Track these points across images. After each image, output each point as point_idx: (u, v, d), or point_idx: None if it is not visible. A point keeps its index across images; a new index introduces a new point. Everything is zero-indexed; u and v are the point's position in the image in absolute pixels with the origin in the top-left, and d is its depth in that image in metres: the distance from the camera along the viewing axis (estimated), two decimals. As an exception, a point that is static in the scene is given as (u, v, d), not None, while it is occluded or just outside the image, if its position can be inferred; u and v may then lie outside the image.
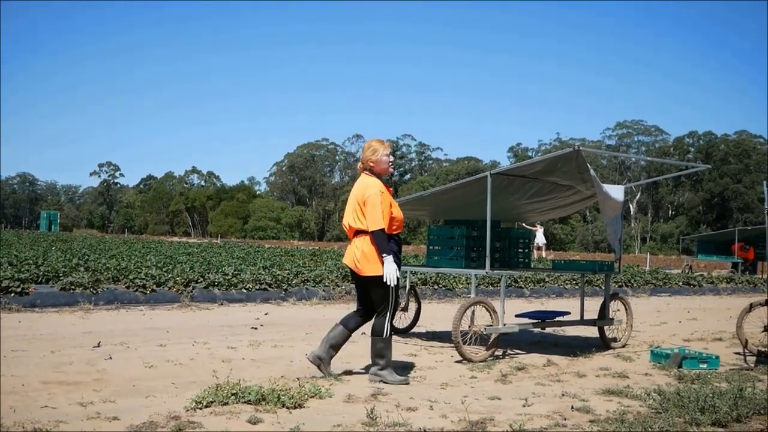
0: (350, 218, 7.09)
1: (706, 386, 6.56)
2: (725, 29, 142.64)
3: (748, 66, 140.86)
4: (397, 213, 7.13)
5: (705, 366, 8.01)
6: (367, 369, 7.19)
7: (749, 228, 35.18)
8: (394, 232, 7.06)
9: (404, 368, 7.53)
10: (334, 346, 7.12)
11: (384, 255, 6.80)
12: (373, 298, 7.03)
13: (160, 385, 6.19)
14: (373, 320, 7.09)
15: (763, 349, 9.26)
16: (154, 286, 13.12)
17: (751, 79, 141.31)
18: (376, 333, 7.00)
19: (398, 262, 6.98)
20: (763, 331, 8.95)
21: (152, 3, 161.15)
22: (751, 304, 9.14)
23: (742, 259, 30.37)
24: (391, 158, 7.36)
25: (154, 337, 9.10)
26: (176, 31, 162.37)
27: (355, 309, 7.39)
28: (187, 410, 5.26)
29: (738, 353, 9.15)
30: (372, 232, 6.84)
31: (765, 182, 9.64)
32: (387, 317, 6.97)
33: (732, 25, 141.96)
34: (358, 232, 7.00)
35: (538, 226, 33.63)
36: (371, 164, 7.19)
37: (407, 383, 6.80)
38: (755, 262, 30.94)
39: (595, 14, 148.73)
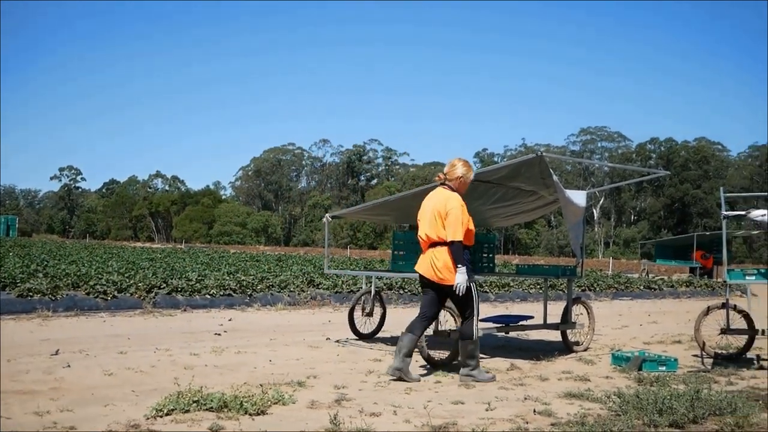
0: (428, 229, 7.45)
1: (664, 388, 6.63)
2: (686, 37, 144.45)
3: (707, 74, 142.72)
4: (472, 227, 7.55)
5: (664, 368, 8.10)
6: (332, 373, 7.17)
7: (707, 233, 35.65)
8: (468, 245, 7.49)
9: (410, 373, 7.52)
10: (408, 354, 7.36)
11: (459, 266, 7.25)
12: (457, 305, 7.57)
13: (120, 393, 6.11)
14: (461, 325, 7.60)
15: (720, 351, 9.39)
16: (116, 293, 12.98)
17: (710, 87, 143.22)
18: (465, 336, 7.47)
19: (472, 272, 7.49)
20: (720, 334, 9.06)
21: (111, 3, 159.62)
22: (708, 308, 9.26)
23: (700, 264, 30.77)
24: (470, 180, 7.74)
25: (115, 344, 9.01)
26: (139, 35, 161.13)
27: (418, 314, 7.65)
28: (147, 418, 5.20)
29: (696, 355, 9.26)
30: (451, 242, 7.24)
31: (722, 188, 9.77)
32: (474, 320, 7.47)
33: (693, 33, 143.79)
34: (435, 243, 7.40)
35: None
36: (456, 182, 7.57)
37: (494, 380, 7.32)
38: (712, 269, 31.38)
39: (560, 21, 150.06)
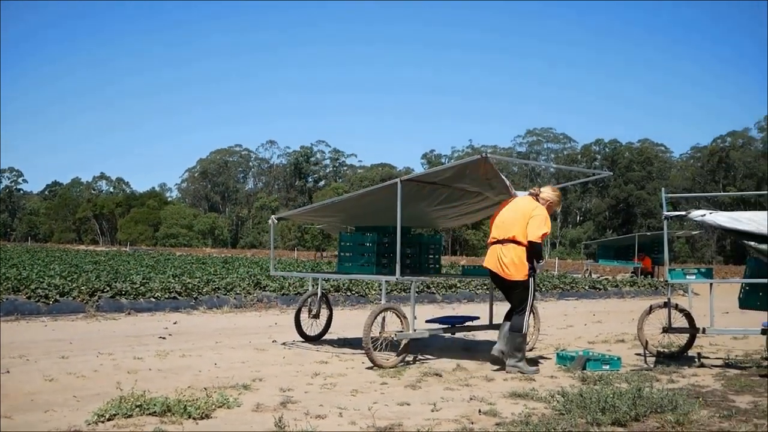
0: (514, 229, 8.17)
1: (607, 387, 6.72)
2: (629, 39, 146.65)
3: (651, 75, 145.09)
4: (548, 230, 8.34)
5: (607, 367, 8.20)
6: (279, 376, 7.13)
7: (648, 234, 36.20)
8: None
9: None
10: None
11: (541, 260, 8.36)
12: (513, 299, 8.29)
13: (61, 399, 6.00)
14: (512, 318, 8.21)
15: (662, 350, 9.54)
16: (58, 296, 12.76)
17: (653, 89, 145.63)
18: (515, 329, 8.10)
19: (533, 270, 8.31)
20: (662, 333, 9.21)
21: (50, 3, 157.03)
22: (651, 307, 9.41)
23: (641, 264, 31.25)
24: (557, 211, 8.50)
25: (56, 348, 8.85)
26: (82, 34, 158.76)
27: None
28: (89, 424, 5.12)
29: (639, 354, 9.39)
30: (532, 242, 8.10)
31: (663, 189, 9.94)
32: (525, 315, 8.13)
33: (635, 36, 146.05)
34: (507, 241, 8.18)
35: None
36: (546, 203, 8.44)
37: (538, 372, 7.96)
38: (652, 269, 31.82)
39: (507, 23, 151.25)
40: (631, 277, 29.41)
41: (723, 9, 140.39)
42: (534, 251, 8.15)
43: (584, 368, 8.13)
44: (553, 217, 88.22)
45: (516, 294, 8.24)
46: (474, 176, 9.09)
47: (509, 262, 8.13)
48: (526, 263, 8.14)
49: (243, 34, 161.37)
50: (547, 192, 8.55)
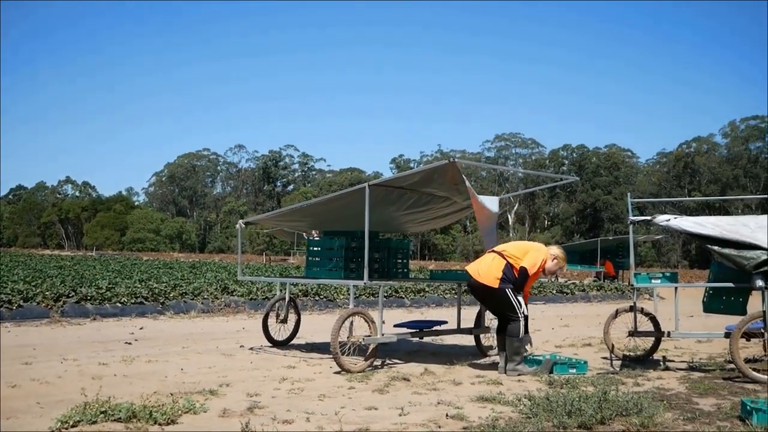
0: (510, 249, 8.53)
1: (573, 391, 6.76)
2: (595, 45, 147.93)
3: (617, 81, 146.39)
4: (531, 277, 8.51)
5: (574, 371, 8.26)
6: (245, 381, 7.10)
7: (610, 238, 36.43)
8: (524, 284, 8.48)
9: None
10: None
11: (518, 293, 8.38)
12: (493, 308, 8.69)
13: (24, 405, 5.93)
14: (507, 325, 8.33)
15: (628, 353, 9.62)
16: (21, 302, 12.61)
17: (620, 94, 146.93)
18: (512, 334, 8.27)
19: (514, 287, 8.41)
20: (628, 336, 9.28)
21: (11, 3, 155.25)
22: (617, 311, 9.49)
23: (603, 269, 31.45)
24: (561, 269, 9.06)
25: (20, 354, 8.75)
26: (45, 35, 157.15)
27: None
28: (53, 431, 5.07)
29: (606, 357, 9.46)
30: (522, 267, 8.31)
31: (629, 194, 10.03)
32: (520, 321, 8.25)
33: (602, 42, 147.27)
34: (495, 252, 8.49)
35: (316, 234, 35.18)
36: (550, 258, 8.61)
37: (537, 373, 8.08)
38: (616, 273, 31.99)
39: (476, 27, 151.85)
40: (595, 281, 29.62)
41: (688, 16, 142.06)
42: (521, 278, 8.33)
43: (551, 372, 8.19)
44: (521, 222, 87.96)
45: (494, 303, 8.48)
46: (442, 181, 9.13)
47: (485, 267, 8.42)
48: (500, 273, 8.29)
49: (210, 39, 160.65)
50: (554, 248, 8.79)
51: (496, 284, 8.28)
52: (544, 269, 8.59)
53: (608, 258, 32.12)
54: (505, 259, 8.39)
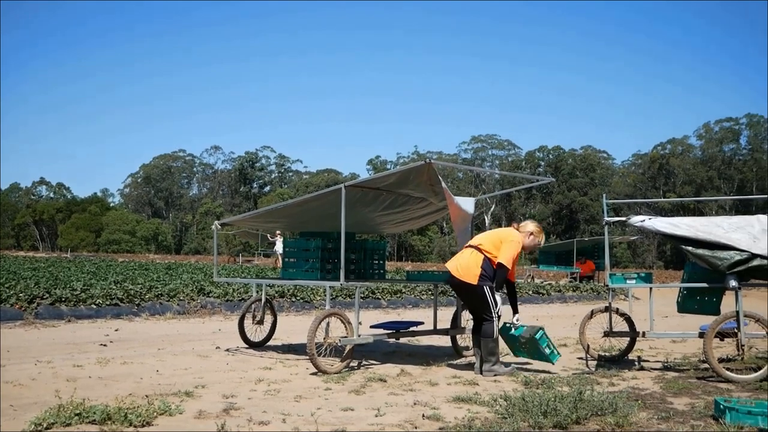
0: (485, 243, 8.46)
1: (549, 391, 6.80)
2: (572, 46, 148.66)
3: (593, 83, 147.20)
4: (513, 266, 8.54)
5: (548, 351, 8.39)
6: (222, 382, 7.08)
7: (586, 239, 36.60)
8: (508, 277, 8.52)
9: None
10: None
11: (496, 289, 8.39)
12: (471, 306, 8.66)
13: (-2, 407, 5.89)
14: (482, 326, 8.38)
15: (603, 354, 9.67)
16: (-5, 304, 12.49)
17: (596, 96, 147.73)
18: (486, 335, 8.32)
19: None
20: (603, 336, 9.34)
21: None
22: (592, 311, 9.55)
23: (579, 270, 31.55)
24: (539, 244, 8.87)
25: (-6, 356, 8.68)
26: (17, 35, 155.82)
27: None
28: (27, 433, 5.04)
29: (581, 358, 9.51)
30: (499, 263, 8.32)
31: (604, 195, 10.10)
32: (494, 321, 8.31)
33: (579, 43, 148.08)
34: (472, 247, 8.49)
35: (278, 235, 35.25)
36: (527, 236, 8.66)
37: (513, 371, 8.22)
38: (592, 274, 32.06)
39: (451, 30, 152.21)
40: (570, 282, 29.73)
41: (663, 18, 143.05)
42: (499, 274, 8.34)
43: (536, 335, 8.31)
44: (498, 223, 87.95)
45: (472, 300, 8.49)
46: (418, 182, 9.15)
47: (464, 263, 8.42)
48: (479, 269, 8.30)
49: (187, 41, 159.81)
50: (528, 224, 8.79)
51: (475, 281, 8.29)
52: (524, 247, 8.65)
53: (588, 258, 32.20)
54: (482, 253, 8.39)
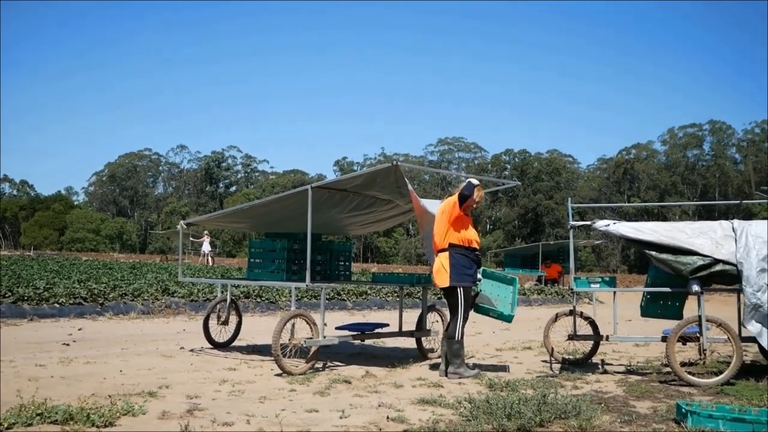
0: (437, 237, 8.47)
1: (513, 393, 6.83)
2: (536, 49, 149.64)
3: (559, 87, 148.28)
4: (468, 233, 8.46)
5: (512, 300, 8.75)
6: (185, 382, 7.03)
7: (551, 243, 36.80)
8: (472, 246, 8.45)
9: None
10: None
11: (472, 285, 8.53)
12: (450, 305, 8.44)
13: (-42, 407, 5.81)
14: (448, 325, 8.48)
15: (567, 357, 9.75)
16: (-44, 302, 12.32)
17: (561, 100, 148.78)
18: (450, 336, 8.34)
19: (467, 276, 8.38)
20: (567, 340, 9.40)
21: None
22: (557, 314, 9.61)
23: (544, 273, 31.71)
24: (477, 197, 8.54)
25: (-46, 355, 8.56)
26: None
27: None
28: (-13, 432, 4.98)
29: (545, 361, 9.57)
30: (450, 244, 8.38)
31: (569, 199, 10.17)
32: (459, 322, 8.29)
33: (543, 47, 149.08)
34: (440, 250, 8.44)
35: (206, 235, 38.41)
36: (457, 192, 8.48)
37: (478, 375, 8.22)
38: (558, 278, 32.21)
39: (416, 32, 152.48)
40: (536, 285, 29.89)
41: (628, 25, 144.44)
42: (458, 255, 8.38)
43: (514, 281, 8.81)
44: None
45: (449, 301, 8.48)
46: (385, 184, 9.17)
47: (436, 270, 8.47)
48: (448, 269, 8.32)
49: (153, 37, 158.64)
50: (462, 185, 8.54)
51: (447, 282, 8.36)
52: (462, 199, 8.35)
53: (553, 262, 32.36)
54: (444, 251, 8.43)
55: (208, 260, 38.14)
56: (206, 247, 38.61)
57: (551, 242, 38.06)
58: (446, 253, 8.38)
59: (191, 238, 40.00)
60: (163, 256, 48.93)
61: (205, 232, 37.77)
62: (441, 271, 8.37)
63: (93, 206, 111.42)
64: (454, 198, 8.41)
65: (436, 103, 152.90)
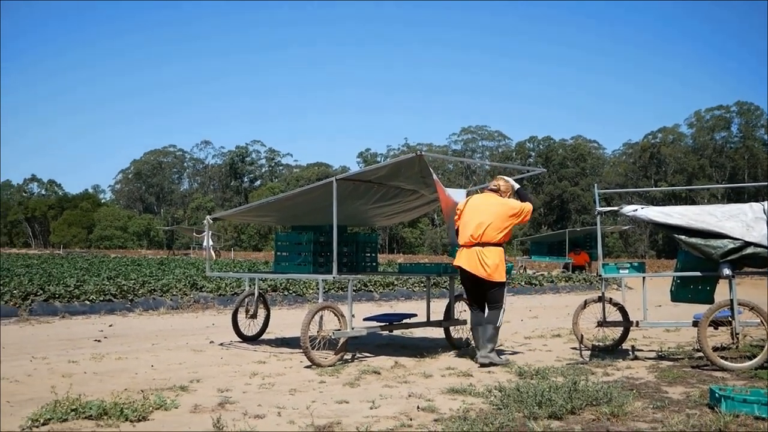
0: (493, 232, 8.47)
1: (544, 381, 6.80)
2: (562, 37, 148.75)
3: (582, 72, 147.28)
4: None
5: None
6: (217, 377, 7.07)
7: (578, 230, 36.52)
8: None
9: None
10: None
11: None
12: (489, 298, 8.56)
13: (-7, 405, 5.87)
14: (489, 312, 8.57)
15: (597, 344, 9.69)
16: (-12, 301, 12.46)
17: (586, 86, 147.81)
18: (491, 321, 8.48)
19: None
20: (597, 326, 9.35)
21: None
22: (585, 301, 9.54)
23: (571, 260, 31.40)
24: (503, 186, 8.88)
25: (-12, 353, 8.66)
26: (9, 30, 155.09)
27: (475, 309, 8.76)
28: (23, 429, 5.02)
29: (575, 348, 9.52)
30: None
31: (596, 185, 10.10)
32: (502, 310, 8.52)
33: (569, 34, 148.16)
34: (488, 244, 8.46)
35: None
36: (507, 193, 8.86)
37: (508, 362, 8.34)
38: (584, 264, 31.85)
39: (439, 22, 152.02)
40: (563, 272, 29.70)
41: (651, 8, 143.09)
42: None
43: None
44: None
45: (494, 293, 8.52)
46: (409, 174, 9.14)
47: (492, 265, 8.41)
48: (505, 264, 8.53)
49: (174, 33, 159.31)
50: (503, 183, 8.90)
51: (504, 278, 8.54)
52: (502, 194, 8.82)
53: (582, 249, 32.09)
54: (500, 246, 8.59)
55: (212, 254, 39.06)
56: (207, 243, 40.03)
57: (578, 229, 37.83)
58: (500, 249, 8.51)
59: (195, 234, 42.11)
60: (171, 251, 50.11)
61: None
62: (501, 267, 8.46)
63: (120, 204, 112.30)
64: (519, 204, 8.70)
65: (459, 91, 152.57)
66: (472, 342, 8.97)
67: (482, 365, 8.18)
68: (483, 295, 8.62)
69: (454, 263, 8.79)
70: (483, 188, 9.39)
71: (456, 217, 8.80)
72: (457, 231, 8.78)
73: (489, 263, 8.39)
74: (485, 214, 8.50)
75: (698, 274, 8.58)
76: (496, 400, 6.05)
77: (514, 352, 9.46)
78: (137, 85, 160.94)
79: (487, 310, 8.62)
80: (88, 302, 13.70)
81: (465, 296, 9.14)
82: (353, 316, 8.82)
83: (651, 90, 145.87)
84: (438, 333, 10.75)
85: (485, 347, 8.32)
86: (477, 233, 8.43)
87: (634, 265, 9.27)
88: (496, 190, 8.79)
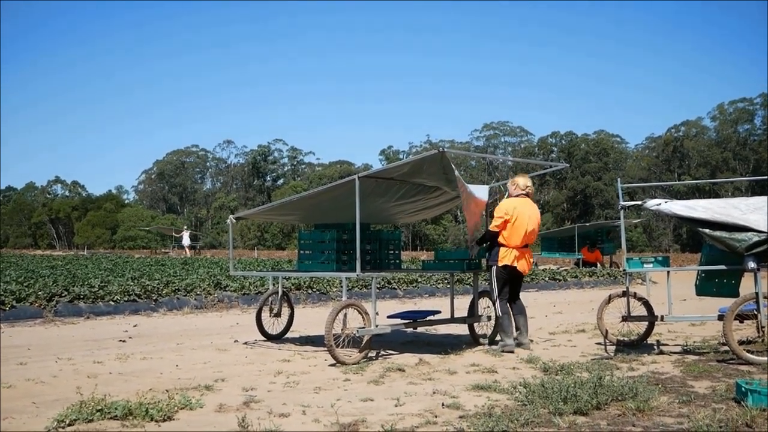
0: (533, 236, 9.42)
1: (569, 377, 6.78)
2: (584, 31, 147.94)
3: (604, 66, 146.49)
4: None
5: None
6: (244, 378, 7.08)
7: (587, 225, 35.95)
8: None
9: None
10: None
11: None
12: (519, 288, 9.57)
13: (20, 406, 5.91)
14: (518, 301, 9.48)
15: (622, 338, 9.64)
16: (14, 302, 12.56)
17: (608, 80, 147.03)
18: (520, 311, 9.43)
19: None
20: (621, 321, 9.30)
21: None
22: (610, 296, 9.49)
23: (582, 256, 30.88)
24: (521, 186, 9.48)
25: (14, 355, 8.73)
26: (31, 34, 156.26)
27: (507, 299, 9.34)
28: (49, 430, 5.06)
29: (599, 343, 9.48)
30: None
31: (618, 179, 10.03)
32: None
33: (590, 28, 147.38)
34: (529, 245, 9.42)
35: (185, 229, 43.87)
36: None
37: (513, 351, 8.95)
38: (595, 263, 31.15)
39: (460, 18, 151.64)
40: (574, 268, 29.27)
41: (674, 2, 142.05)
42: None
43: None
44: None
45: (519, 283, 9.59)
46: (432, 171, 9.13)
47: (530, 263, 9.56)
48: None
49: (200, 33, 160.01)
50: (530, 186, 9.49)
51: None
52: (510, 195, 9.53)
53: (595, 246, 31.60)
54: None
55: (187, 252, 42.80)
56: (186, 241, 43.61)
57: (587, 224, 37.23)
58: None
59: (173, 234, 45.37)
60: (152, 250, 51.82)
61: (184, 227, 44.91)
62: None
63: (143, 204, 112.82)
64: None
65: (481, 87, 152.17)
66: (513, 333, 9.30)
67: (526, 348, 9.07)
68: (518, 287, 9.51)
69: (505, 262, 9.14)
70: (504, 184, 9.70)
71: (503, 219, 9.16)
72: (494, 231, 9.23)
73: (530, 261, 9.50)
74: (534, 221, 9.28)
75: (723, 267, 8.52)
76: (521, 396, 6.04)
77: (543, 348, 9.43)
78: (160, 86, 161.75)
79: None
80: (112, 303, 13.78)
81: (498, 292, 9.16)
82: (377, 313, 8.82)
83: (673, 83, 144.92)
84: (462, 330, 10.73)
85: (527, 333, 9.33)
86: (531, 239, 9.28)
87: (659, 259, 9.21)
88: (527, 195, 9.43)
